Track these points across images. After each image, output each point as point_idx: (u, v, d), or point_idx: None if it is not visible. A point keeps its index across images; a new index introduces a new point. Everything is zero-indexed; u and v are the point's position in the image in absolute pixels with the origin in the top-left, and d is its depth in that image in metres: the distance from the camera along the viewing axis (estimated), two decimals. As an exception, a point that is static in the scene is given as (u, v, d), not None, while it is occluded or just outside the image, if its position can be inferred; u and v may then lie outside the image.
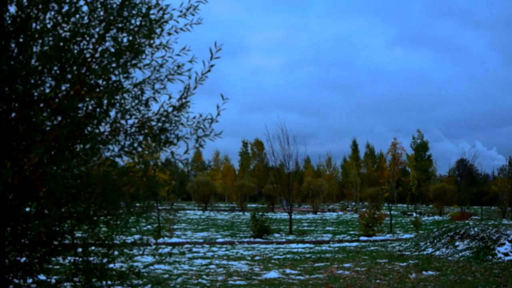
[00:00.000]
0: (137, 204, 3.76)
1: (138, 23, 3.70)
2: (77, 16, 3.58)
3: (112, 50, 3.66)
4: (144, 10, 3.71)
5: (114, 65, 3.68)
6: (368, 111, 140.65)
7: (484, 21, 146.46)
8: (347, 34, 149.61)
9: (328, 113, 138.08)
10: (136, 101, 3.80)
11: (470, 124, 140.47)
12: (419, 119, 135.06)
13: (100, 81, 3.67)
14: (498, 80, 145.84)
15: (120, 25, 3.67)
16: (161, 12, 3.76)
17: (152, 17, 3.75)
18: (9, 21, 3.49)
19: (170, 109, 3.83)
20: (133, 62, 3.74)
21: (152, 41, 3.75)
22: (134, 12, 3.68)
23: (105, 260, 3.73)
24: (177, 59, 3.85)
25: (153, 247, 4.05)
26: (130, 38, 3.70)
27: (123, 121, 3.78)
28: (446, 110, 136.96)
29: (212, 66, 3.81)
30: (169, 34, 3.84)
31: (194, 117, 3.85)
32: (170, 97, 3.83)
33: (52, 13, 3.53)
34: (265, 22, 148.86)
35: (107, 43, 3.67)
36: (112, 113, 3.75)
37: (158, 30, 3.77)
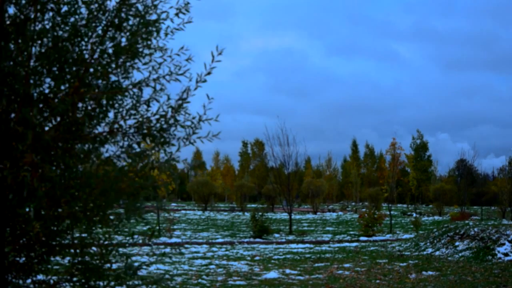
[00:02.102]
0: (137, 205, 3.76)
1: (136, 23, 3.70)
2: (76, 16, 3.58)
3: (111, 50, 3.67)
4: (141, 9, 3.71)
5: (113, 65, 3.68)
6: (329, 113, 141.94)
7: (406, 33, 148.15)
8: (286, 45, 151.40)
9: (291, 115, 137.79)
10: (135, 101, 3.80)
11: (432, 125, 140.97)
12: (382, 120, 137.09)
13: (99, 82, 3.67)
14: (444, 84, 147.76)
15: (118, 25, 3.67)
16: (155, 15, 3.76)
17: (151, 17, 3.75)
18: (8, 22, 3.49)
19: (168, 110, 3.83)
20: (132, 62, 3.75)
21: (149, 42, 3.76)
22: (131, 12, 3.68)
23: (102, 260, 3.72)
24: (176, 58, 3.86)
25: (152, 247, 4.04)
26: (129, 37, 3.70)
27: (122, 122, 3.78)
28: (405, 112, 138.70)
29: (213, 68, 3.84)
30: (166, 34, 3.84)
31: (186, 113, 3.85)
32: (168, 98, 3.83)
33: (51, 13, 3.53)
34: (200, 31, 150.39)
35: (106, 43, 3.68)
36: (111, 114, 3.75)
37: (154, 31, 3.76)
